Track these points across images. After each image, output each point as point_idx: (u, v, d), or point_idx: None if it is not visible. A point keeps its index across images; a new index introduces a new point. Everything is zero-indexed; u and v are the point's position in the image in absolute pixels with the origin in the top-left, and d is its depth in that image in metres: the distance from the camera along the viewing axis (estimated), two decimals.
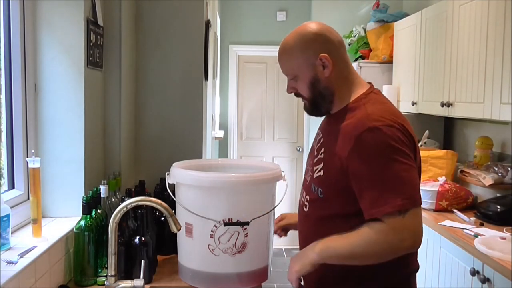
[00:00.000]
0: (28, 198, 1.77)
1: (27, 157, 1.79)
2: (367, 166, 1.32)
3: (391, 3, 4.54)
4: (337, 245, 1.36)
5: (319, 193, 1.44)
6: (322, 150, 1.48)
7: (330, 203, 1.42)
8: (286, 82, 1.54)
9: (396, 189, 1.29)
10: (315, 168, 1.48)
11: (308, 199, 1.50)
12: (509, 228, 2.43)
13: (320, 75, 1.45)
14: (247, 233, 1.59)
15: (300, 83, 1.48)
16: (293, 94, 1.54)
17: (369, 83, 1.53)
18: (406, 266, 1.47)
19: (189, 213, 1.59)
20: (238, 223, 1.57)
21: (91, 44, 1.96)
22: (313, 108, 1.52)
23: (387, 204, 1.28)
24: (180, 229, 1.54)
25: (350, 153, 1.35)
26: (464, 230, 2.45)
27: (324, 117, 1.60)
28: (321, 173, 1.44)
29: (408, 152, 1.34)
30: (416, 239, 1.32)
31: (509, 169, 2.75)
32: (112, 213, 1.55)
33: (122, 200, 1.80)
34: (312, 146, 1.58)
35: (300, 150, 5.50)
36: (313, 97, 1.48)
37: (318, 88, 1.46)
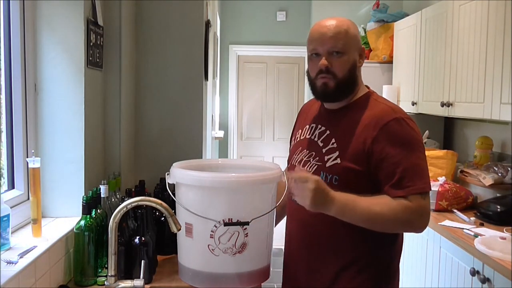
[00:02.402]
0: (28, 198, 1.77)
1: (27, 157, 1.79)
2: (396, 151, 1.48)
3: (391, 3, 4.53)
4: (357, 207, 1.46)
5: (334, 181, 1.54)
6: (333, 140, 1.59)
7: (344, 189, 1.48)
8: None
9: (419, 174, 1.49)
10: (327, 157, 1.58)
11: None
12: (509, 228, 2.43)
13: (357, 62, 1.61)
14: (247, 233, 1.59)
15: (343, 61, 1.57)
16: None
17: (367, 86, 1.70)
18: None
19: (189, 213, 1.59)
20: (238, 223, 1.57)
21: (91, 44, 1.96)
22: (337, 89, 1.58)
23: (413, 185, 1.46)
24: (180, 229, 1.55)
25: (376, 140, 1.50)
26: (464, 230, 2.45)
27: (304, 112, 1.85)
28: (338, 160, 1.55)
29: (423, 144, 1.55)
30: (427, 220, 1.50)
31: (509, 169, 2.75)
32: (112, 213, 1.55)
33: (122, 200, 1.80)
34: (308, 139, 1.68)
35: None
36: (346, 78, 1.58)
37: (353, 72, 1.60)
